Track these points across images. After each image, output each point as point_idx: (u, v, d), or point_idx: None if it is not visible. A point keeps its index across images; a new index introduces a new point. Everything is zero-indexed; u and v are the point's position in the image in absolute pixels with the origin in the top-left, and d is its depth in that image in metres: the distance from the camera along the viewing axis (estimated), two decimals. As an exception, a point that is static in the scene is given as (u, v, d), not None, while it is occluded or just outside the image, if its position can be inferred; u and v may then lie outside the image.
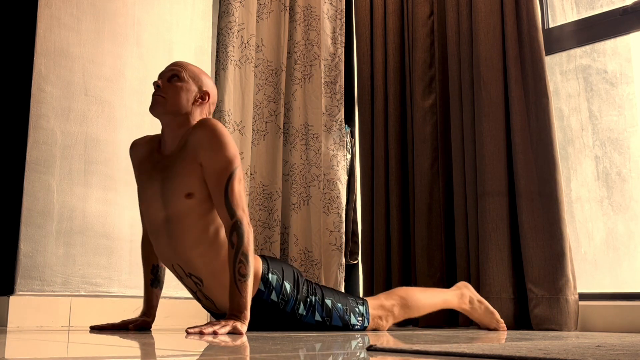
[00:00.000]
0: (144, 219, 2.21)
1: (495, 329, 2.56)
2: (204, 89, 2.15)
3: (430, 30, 3.28)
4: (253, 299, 2.08)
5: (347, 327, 2.32)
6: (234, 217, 1.99)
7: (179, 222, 2.06)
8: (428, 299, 2.52)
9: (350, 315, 2.31)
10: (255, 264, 2.10)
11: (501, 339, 1.85)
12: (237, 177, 2.03)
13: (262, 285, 2.15)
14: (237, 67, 3.13)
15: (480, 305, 2.59)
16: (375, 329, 2.41)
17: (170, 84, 2.11)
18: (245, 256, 1.96)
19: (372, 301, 2.42)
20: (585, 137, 3.02)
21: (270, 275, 2.17)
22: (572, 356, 1.13)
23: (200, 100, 2.13)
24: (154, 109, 2.10)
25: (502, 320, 2.58)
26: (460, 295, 2.58)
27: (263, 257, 2.24)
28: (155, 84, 2.11)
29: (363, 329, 2.36)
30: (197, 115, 2.13)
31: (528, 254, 2.74)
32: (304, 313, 2.23)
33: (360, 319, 2.34)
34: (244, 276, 1.95)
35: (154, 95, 2.11)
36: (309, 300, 2.24)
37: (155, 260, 2.25)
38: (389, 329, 2.49)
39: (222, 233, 2.08)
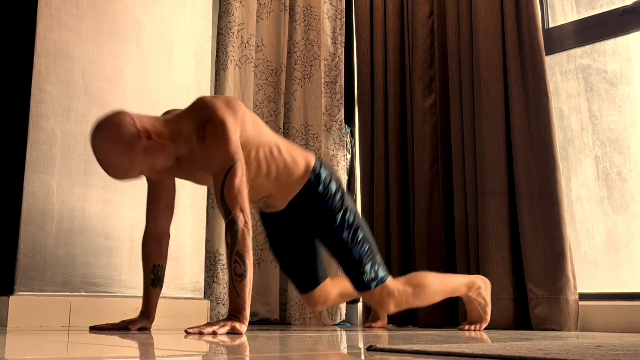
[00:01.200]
0: (150, 218, 2.22)
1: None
2: (138, 138, 1.97)
3: (430, 30, 3.28)
4: (302, 189, 2.26)
5: (359, 267, 2.33)
6: (229, 216, 1.97)
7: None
8: (440, 289, 2.49)
9: (368, 262, 2.34)
10: (307, 158, 2.28)
11: (499, 339, 1.85)
12: (236, 172, 1.98)
13: (313, 176, 2.28)
14: (237, 67, 3.13)
15: (482, 303, 2.57)
16: (377, 305, 2.40)
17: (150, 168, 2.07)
18: (240, 256, 1.94)
19: (391, 280, 2.41)
20: (585, 137, 3.02)
21: (322, 170, 2.30)
22: (572, 356, 1.13)
23: (149, 137, 1.99)
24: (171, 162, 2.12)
25: (483, 327, 2.56)
26: (470, 284, 2.56)
27: (319, 159, 2.37)
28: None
29: (368, 286, 2.35)
30: (161, 128, 2.04)
31: (528, 254, 2.74)
32: (338, 222, 2.32)
33: (373, 275, 2.34)
34: (240, 276, 1.93)
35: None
36: (347, 215, 2.33)
37: (156, 260, 2.25)
38: (386, 325, 2.48)
39: (290, 159, 2.22)
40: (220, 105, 2.05)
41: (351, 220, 2.34)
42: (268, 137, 2.22)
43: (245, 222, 1.98)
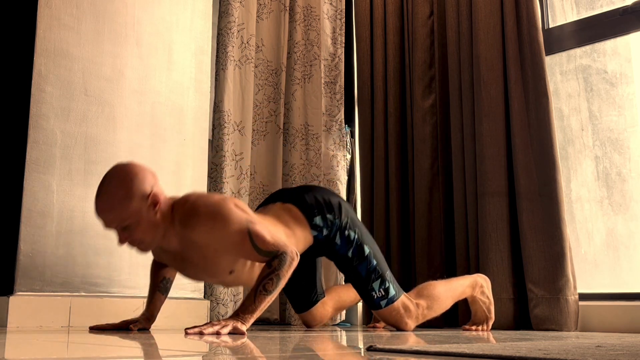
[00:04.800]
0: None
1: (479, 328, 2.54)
2: (147, 197, 1.94)
3: (430, 30, 3.28)
4: (312, 245, 2.30)
5: (367, 284, 2.33)
6: (277, 255, 2.01)
7: (238, 283, 2.19)
8: (450, 297, 2.48)
9: (377, 280, 2.33)
10: (300, 218, 2.26)
11: (499, 339, 1.85)
12: (255, 229, 2.00)
13: (314, 231, 2.28)
14: (237, 67, 3.13)
15: (486, 302, 2.55)
16: (396, 324, 2.37)
17: (130, 232, 1.95)
18: (279, 277, 1.99)
19: (404, 296, 2.40)
20: (585, 137, 3.02)
21: (315, 218, 2.28)
22: (572, 356, 1.13)
23: (154, 206, 1.95)
24: (145, 253, 2.08)
25: (489, 327, 2.54)
26: (474, 284, 2.55)
27: (305, 190, 2.34)
28: (120, 244, 1.98)
29: (378, 304, 2.34)
30: (167, 212, 1.99)
31: (528, 254, 2.74)
32: (339, 242, 2.32)
33: (383, 293, 2.34)
34: (267, 291, 1.97)
35: (131, 246, 2.01)
36: (347, 232, 2.32)
37: (166, 274, 2.27)
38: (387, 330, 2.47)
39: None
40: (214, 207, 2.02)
41: (353, 235, 2.33)
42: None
43: (293, 251, 2.04)
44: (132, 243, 1.98)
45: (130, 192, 1.91)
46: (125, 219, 1.92)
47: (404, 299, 2.37)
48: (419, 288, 2.49)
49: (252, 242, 1.99)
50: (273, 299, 2.00)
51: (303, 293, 2.54)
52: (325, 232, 2.30)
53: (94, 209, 1.96)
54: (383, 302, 2.34)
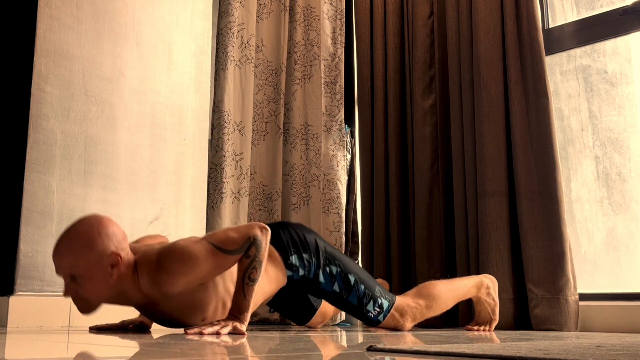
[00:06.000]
0: None
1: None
2: (107, 255, 1.84)
3: (430, 30, 3.28)
4: (286, 285, 2.23)
5: (361, 309, 2.32)
6: (248, 243, 1.98)
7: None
8: (451, 296, 2.47)
9: (369, 301, 2.32)
10: (275, 256, 2.20)
11: (499, 339, 1.85)
12: (218, 238, 1.96)
13: (289, 271, 2.23)
14: (237, 67, 3.13)
15: (491, 303, 2.53)
16: (394, 328, 2.38)
17: (78, 286, 1.85)
18: (260, 262, 1.98)
19: (399, 299, 2.40)
20: (585, 137, 3.02)
21: (290, 258, 2.24)
22: (572, 356, 1.13)
23: (114, 267, 1.86)
24: (85, 314, 1.92)
25: (493, 328, 2.53)
26: (479, 285, 2.53)
27: (280, 226, 2.28)
28: (65, 296, 1.87)
29: (377, 321, 2.35)
30: (124, 270, 1.88)
31: (528, 254, 2.74)
32: (323, 281, 2.29)
33: (378, 310, 2.33)
34: (253, 280, 1.97)
35: (73, 301, 1.90)
36: (328, 269, 2.29)
37: None
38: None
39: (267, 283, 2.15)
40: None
41: (335, 270, 2.30)
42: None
43: (262, 227, 2.02)
44: (76, 300, 1.87)
45: (92, 243, 1.83)
46: (77, 268, 1.82)
47: (397, 303, 2.37)
48: (419, 287, 2.48)
49: (224, 251, 1.94)
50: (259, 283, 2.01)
51: (298, 312, 2.55)
52: (301, 272, 2.26)
53: (53, 249, 1.88)
54: (380, 317, 2.35)
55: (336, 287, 2.30)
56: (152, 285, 1.90)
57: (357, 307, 2.32)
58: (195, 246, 1.92)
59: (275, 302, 2.43)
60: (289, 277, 2.24)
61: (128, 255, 1.90)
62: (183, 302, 1.97)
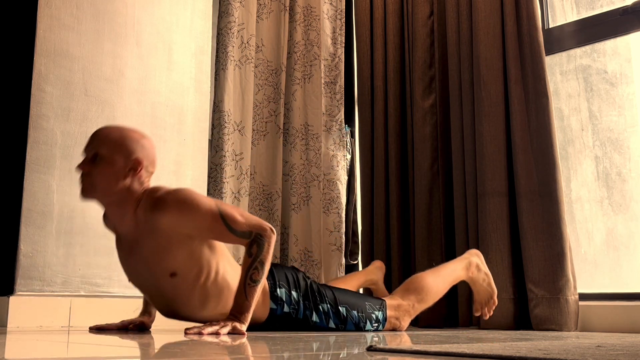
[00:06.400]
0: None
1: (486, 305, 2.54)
2: (133, 157, 1.95)
3: (430, 30, 3.28)
4: (267, 318, 2.15)
5: (360, 330, 2.32)
6: (251, 236, 1.99)
7: (174, 295, 2.02)
8: (441, 284, 2.47)
9: (366, 322, 2.31)
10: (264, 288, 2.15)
11: (500, 340, 1.85)
12: (227, 211, 1.98)
13: (273, 303, 2.18)
14: (237, 67, 3.13)
15: (485, 278, 2.54)
16: (393, 329, 2.39)
17: (94, 165, 1.93)
18: (262, 263, 1.97)
19: (389, 301, 2.39)
20: (585, 137, 3.02)
21: (278, 290, 2.19)
22: (572, 356, 1.13)
23: (132, 172, 1.95)
24: (82, 196, 1.96)
25: (496, 301, 2.54)
26: (467, 265, 2.52)
27: (273, 265, 2.22)
28: (77, 169, 1.96)
29: (378, 331, 2.35)
30: (136, 186, 1.96)
31: (528, 254, 2.74)
32: (318, 320, 2.25)
33: (376, 324, 2.34)
34: (255, 281, 1.96)
35: (80, 179, 1.97)
36: (321, 308, 2.26)
37: None
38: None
39: (226, 276, 2.05)
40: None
41: (327, 307, 2.27)
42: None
43: (270, 228, 2.01)
44: (84, 177, 1.94)
45: (130, 141, 1.96)
46: (105, 147, 1.93)
47: (389, 307, 2.37)
48: (406, 282, 2.48)
49: (225, 222, 1.96)
50: (262, 284, 1.99)
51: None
52: (286, 308, 2.20)
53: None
54: (380, 326, 2.36)
55: (332, 324, 2.27)
56: (147, 210, 1.93)
57: (355, 330, 2.32)
58: (204, 199, 1.99)
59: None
60: (271, 310, 2.17)
61: (146, 177, 1.99)
62: (162, 243, 1.94)
